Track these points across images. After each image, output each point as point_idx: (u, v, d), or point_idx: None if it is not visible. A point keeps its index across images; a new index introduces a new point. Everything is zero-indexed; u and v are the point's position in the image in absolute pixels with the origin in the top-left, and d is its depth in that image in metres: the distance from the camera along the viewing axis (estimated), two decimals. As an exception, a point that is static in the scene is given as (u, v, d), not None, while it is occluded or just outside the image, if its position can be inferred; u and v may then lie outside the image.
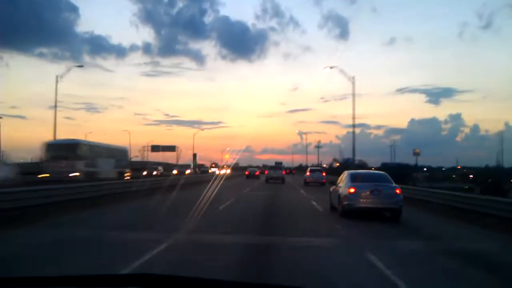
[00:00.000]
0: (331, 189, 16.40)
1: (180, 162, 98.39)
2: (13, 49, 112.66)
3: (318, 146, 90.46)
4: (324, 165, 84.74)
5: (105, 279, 2.11)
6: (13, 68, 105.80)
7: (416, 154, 63.31)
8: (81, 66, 48.77)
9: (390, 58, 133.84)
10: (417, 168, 65.62)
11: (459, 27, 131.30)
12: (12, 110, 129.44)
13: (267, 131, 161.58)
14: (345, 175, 14.82)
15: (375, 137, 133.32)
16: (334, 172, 62.65)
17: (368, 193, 13.09)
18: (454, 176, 71.40)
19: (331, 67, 40.28)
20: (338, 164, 74.94)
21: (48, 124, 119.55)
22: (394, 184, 13.59)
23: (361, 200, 13.05)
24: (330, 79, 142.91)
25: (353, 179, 13.82)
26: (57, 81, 40.56)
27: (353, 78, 39.59)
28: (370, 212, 13.38)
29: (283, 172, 47.92)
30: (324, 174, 39.75)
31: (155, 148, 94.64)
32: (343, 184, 14.12)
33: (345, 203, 13.28)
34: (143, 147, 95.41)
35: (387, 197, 13.09)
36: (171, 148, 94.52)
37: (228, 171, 60.92)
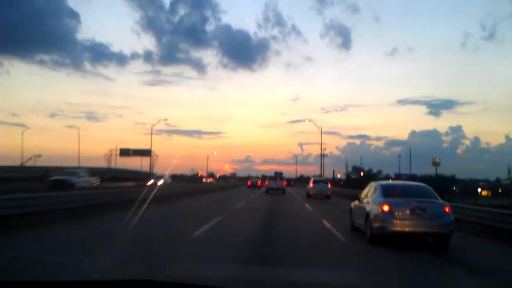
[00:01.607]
0: (352, 204, 13.09)
1: (157, 170, 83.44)
2: (14, 56, 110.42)
3: (322, 155, 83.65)
4: (339, 175, 76.79)
5: (107, 284, 2.09)
6: (13, 75, 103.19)
7: (435, 164, 57.67)
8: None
9: (391, 68, 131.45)
10: (454, 180, 55.14)
11: (461, 37, 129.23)
12: (12, 118, 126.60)
13: (268, 142, 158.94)
14: (372, 187, 11.54)
15: (376, 149, 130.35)
16: (337, 183, 59.49)
17: (408, 212, 9.80)
18: (479, 190, 63.44)
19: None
20: (362, 173, 63.52)
21: (48, 132, 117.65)
22: (441, 201, 10.30)
23: (399, 221, 9.74)
24: (331, 89, 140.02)
25: (387, 192, 10.52)
26: None
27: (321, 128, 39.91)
28: (410, 237, 10.09)
29: (284, 183, 45.00)
30: (329, 185, 36.29)
31: (125, 152, 79.28)
32: (372, 199, 10.84)
33: (377, 225, 9.97)
34: (110, 150, 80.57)
35: (434, 217, 9.79)
36: (145, 153, 77.10)
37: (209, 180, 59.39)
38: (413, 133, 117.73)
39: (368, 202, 10.98)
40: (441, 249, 9.89)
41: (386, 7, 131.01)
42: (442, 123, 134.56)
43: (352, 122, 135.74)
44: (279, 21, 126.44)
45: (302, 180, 79.82)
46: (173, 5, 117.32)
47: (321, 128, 50.48)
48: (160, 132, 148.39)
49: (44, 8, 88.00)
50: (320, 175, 58.69)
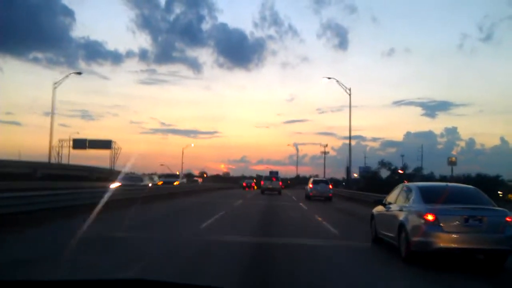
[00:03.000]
0: (374, 211, 10.76)
1: (121, 165, 72.52)
2: (7, 54, 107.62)
3: (324, 152, 74.44)
4: (355, 175, 67.88)
5: (100, 283, 2.10)
6: (6, 73, 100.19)
7: (452, 163, 53.48)
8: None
9: (388, 69, 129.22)
10: (497, 182, 42.78)
11: (459, 39, 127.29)
12: (7, 116, 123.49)
13: (263, 142, 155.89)
14: (405, 190, 9.23)
15: (371, 150, 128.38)
16: (338, 184, 56.49)
17: (459, 223, 7.51)
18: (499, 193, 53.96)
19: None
20: (402, 171, 49.19)
21: (43, 131, 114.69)
22: (498, 208, 8.00)
23: (448, 235, 7.43)
24: (327, 90, 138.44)
25: (428, 197, 8.19)
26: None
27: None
28: (460, 254, 7.80)
29: (280, 183, 42.83)
30: (331, 186, 33.87)
31: (79, 144, 66.27)
32: (407, 205, 8.51)
33: (417, 239, 7.65)
34: (60, 141, 66.99)
35: (493, 230, 7.50)
36: (105, 144, 67.37)
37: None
38: (408, 134, 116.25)
39: (401, 209, 8.65)
40: (496, 271, 7.63)
41: (383, 7, 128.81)
42: (437, 125, 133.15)
43: (347, 123, 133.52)
44: (275, 21, 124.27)
45: (299, 181, 75.94)
46: (169, 3, 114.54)
47: (349, 91, 42.60)
48: (155, 131, 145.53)
49: (38, 6, 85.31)
50: (323, 178, 56.13)
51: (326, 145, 72.28)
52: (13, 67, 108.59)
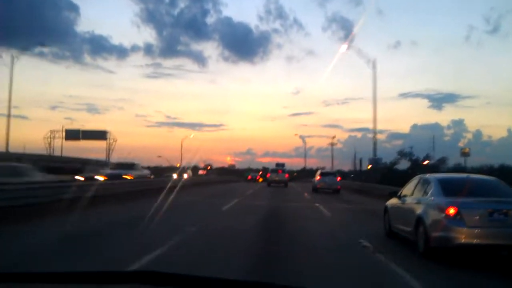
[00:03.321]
0: (388, 204, 10.26)
1: (116, 157, 66.39)
2: (13, 48, 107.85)
3: (332, 144, 71.59)
4: (369, 167, 68.76)
5: (110, 275, 2.07)
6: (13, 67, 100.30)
7: (465, 154, 50.59)
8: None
9: (394, 62, 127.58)
10: None
11: (465, 31, 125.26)
12: (13, 110, 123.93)
13: (269, 135, 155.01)
14: (422, 182, 8.72)
15: (378, 142, 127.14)
16: (345, 176, 55.30)
17: (483, 217, 6.99)
18: None
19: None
20: (427, 161, 42.83)
21: (50, 125, 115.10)
22: (524, 201, 7.47)
23: (471, 230, 6.92)
24: (333, 83, 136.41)
25: (448, 189, 7.68)
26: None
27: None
28: (483, 251, 7.29)
29: (286, 176, 42.36)
30: (339, 179, 33.20)
31: (72, 135, 63.02)
32: (426, 198, 8.00)
33: (437, 234, 7.16)
34: (51, 132, 64.10)
35: (520, 225, 6.98)
36: (99, 135, 63.88)
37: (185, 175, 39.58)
38: (414, 127, 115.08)
39: (419, 202, 8.15)
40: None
41: (389, 0, 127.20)
42: (444, 117, 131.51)
43: (353, 115, 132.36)
44: (280, 14, 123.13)
45: (306, 173, 74.33)
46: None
47: (373, 64, 42.57)
48: (161, 124, 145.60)
49: (43, 0, 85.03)
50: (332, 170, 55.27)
51: (334, 136, 70.50)
52: (19, 61, 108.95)
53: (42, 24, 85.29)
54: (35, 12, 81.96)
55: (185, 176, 40.58)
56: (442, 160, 44.07)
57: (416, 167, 38.63)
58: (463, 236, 6.93)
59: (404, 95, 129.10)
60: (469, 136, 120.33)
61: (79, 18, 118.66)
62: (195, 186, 32.54)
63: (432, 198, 7.76)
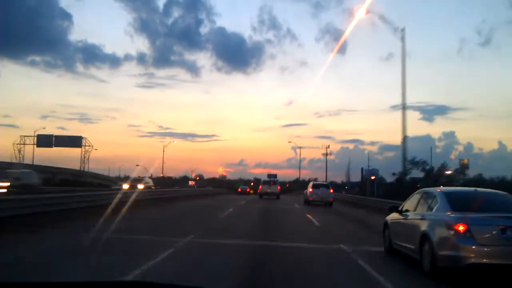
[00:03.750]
0: (388, 219, 9.70)
1: (94, 168, 65.26)
2: (5, 57, 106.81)
3: (326, 154, 69.29)
4: (373, 178, 64.39)
5: (101, 285, 2.08)
6: (4, 76, 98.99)
7: (464, 166, 48.31)
8: None
9: (386, 73, 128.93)
10: None
11: (458, 43, 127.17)
12: (4, 119, 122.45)
13: (261, 145, 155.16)
14: (426, 196, 8.19)
15: (369, 153, 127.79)
16: (338, 188, 54.54)
17: (494, 234, 6.46)
18: None
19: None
20: (449, 172, 39.96)
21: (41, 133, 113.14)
22: (538, 217, 6.95)
23: (482, 248, 6.38)
24: (325, 94, 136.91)
25: (456, 204, 7.14)
26: None
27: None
28: (494, 271, 6.73)
29: (278, 188, 41.91)
30: (331, 191, 32.42)
31: (44, 141, 58.46)
32: (431, 213, 7.46)
33: (445, 253, 6.60)
34: (22, 137, 60.34)
35: (535, 243, 6.45)
36: (73, 141, 59.44)
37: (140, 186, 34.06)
38: (406, 139, 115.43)
39: (423, 218, 7.60)
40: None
41: (382, 12, 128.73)
42: (435, 129, 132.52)
43: (346, 127, 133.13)
44: (274, 25, 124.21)
45: (299, 184, 72.83)
46: (167, 7, 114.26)
47: (402, 33, 44.24)
48: (153, 134, 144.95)
49: (36, 9, 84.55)
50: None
51: (329, 146, 68.58)
52: (11, 70, 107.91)
53: (35, 33, 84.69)
54: (28, 21, 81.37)
55: (140, 186, 34.03)
56: (462, 170, 41.01)
57: (431, 177, 35.03)
58: (474, 255, 6.38)
59: (396, 107, 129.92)
60: (460, 148, 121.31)
61: (72, 27, 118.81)
62: (156, 202, 24.17)
63: (439, 213, 7.21)
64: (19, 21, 77.32)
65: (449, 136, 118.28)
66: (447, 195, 7.48)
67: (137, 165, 75.08)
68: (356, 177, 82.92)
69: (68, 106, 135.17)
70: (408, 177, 37.22)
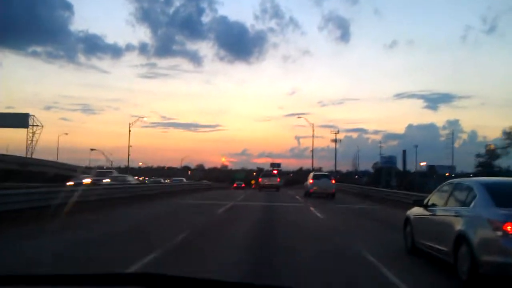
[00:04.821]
0: (410, 214, 8.48)
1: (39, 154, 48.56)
2: (6, 48, 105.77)
3: (335, 140, 60.25)
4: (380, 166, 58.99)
5: (107, 277, 2.06)
6: (6, 67, 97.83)
7: (490, 152, 46.75)
8: None
9: (390, 61, 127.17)
10: None
11: (462, 30, 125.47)
12: (7, 110, 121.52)
13: (265, 135, 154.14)
14: (459, 188, 6.95)
15: (373, 142, 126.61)
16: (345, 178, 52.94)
17: (552, 236, 5.23)
18: None
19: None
20: None
21: (45, 125, 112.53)
22: None
23: (538, 254, 5.16)
24: (329, 83, 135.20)
25: (502, 199, 5.89)
26: None
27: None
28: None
29: (278, 180, 41.83)
30: (333, 181, 30.75)
31: None
32: (469, 209, 6.21)
33: (491, 259, 5.39)
34: None
35: None
36: (18, 120, 46.46)
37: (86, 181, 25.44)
38: (410, 127, 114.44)
39: (458, 215, 6.36)
40: None
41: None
42: (439, 117, 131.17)
43: (349, 116, 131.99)
44: (276, 13, 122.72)
45: (303, 174, 70.21)
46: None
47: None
48: (156, 125, 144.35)
49: None
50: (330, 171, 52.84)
51: (338, 131, 61.79)
52: (12, 61, 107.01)
53: (36, 23, 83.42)
54: (28, 11, 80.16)
55: (106, 181, 26.49)
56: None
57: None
58: (527, 261, 5.17)
59: (399, 96, 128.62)
60: (464, 136, 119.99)
61: (73, 17, 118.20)
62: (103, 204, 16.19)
63: (479, 209, 5.98)
64: (20, 11, 76.35)
65: (453, 125, 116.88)
66: (487, 187, 6.22)
67: (91, 149, 61.87)
68: (362, 166, 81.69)
69: (70, 97, 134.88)
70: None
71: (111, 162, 57.36)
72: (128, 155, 56.91)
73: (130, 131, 54.48)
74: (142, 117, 57.52)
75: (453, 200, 6.92)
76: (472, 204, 6.20)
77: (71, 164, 57.20)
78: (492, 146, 47.65)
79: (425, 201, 7.88)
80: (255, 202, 22.82)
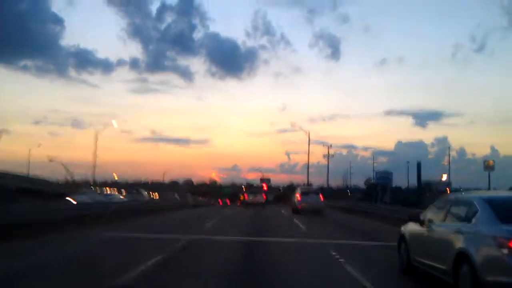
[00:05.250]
0: (405, 231, 8.11)
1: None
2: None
3: (328, 155, 58.87)
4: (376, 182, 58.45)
5: None
6: None
7: (488, 168, 45.56)
8: None
9: (380, 79, 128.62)
10: None
11: (452, 48, 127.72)
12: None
13: (255, 151, 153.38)
14: (458, 204, 6.61)
15: (362, 159, 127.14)
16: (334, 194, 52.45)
17: None
18: None
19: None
20: None
21: (32, 139, 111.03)
22: None
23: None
24: (319, 100, 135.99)
25: (504, 214, 5.55)
26: None
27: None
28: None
29: (264, 196, 42.07)
30: (321, 197, 29.73)
31: None
32: (471, 225, 5.85)
33: (496, 279, 5.02)
34: None
35: None
36: None
37: None
38: (399, 144, 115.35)
39: (459, 231, 5.99)
40: None
41: (376, 17, 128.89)
42: (428, 134, 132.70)
43: (339, 132, 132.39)
44: (268, 30, 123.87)
45: (292, 190, 69.11)
46: (160, 12, 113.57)
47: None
48: (146, 140, 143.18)
49: (27, 13, 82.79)
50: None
51: (331, 146, 60.70)
52: (2, 75, 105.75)
53: (27, 37, 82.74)
54: (19, 25, 79.54)
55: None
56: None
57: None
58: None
59: (389, 112, 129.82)
60: (453, 154, 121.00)
61: (64, 32, 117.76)
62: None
63: (481, 226, 5.63)
64: (10, 25, 75.56)
65: (442, 142, 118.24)
66: (489, 202, 5.88)
67: (50, 161, 57.98)
68: (352, 182, 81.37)
69: (60, 111, 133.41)
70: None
71: (72, 175, 52.43)
72: (94, 166, 51.80)
73: (97, 140, 50.30)
74: (111, 123, 52.18)
75: (452, 215, 6.57)
76: (473, 220, 5.86)
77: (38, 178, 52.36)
78: (491, 162, 47.54)
79: (421, 217, 7.52)
80: (230, 232, 15.11)
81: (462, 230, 5.92)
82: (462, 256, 5.62)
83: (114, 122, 48.61)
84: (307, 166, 54.67)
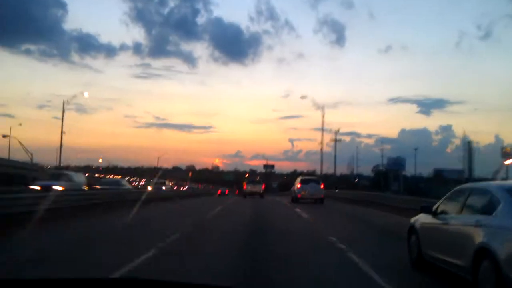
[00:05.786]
0: (416, 221, 7.62)
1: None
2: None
3: (336, 140, 53.09)
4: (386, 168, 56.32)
5: (93, 282, 2.02)
6: None
7: (507, 155, 42.59)
8: None
9: (384, 66, 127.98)
10: None
11: (457, 36, 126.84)
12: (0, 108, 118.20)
13: (258, 137, 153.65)
14: (477, 193, 6.11)
15: (366, 146, 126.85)
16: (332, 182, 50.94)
17: None
18: None
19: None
20: None
21: (36, 123, 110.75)
22: None
23: None
24: (323, 86, 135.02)
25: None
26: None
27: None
28: None
29: (263, 186, 41.23)
30: (322, 186, 29.28)
31: None
32: (492, 218, 5.35)
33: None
34: None
35: None
36: None
37: None
38: (403, 131, 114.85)
39: (478, 224, 5.50)
40: None
41: (381, 3, 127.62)
42: (432, 122, 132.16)
43: (343, 119, 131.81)
44: (272, 15, 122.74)
45: (295, 177, 66.06)
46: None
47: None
48: (150, 125, 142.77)
49: None
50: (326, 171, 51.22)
51: (339, 130, 55.34)
52: (5, 59, 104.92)
53: (29, 21, 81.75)
54: (21, 9, 78.46)
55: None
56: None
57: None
58: None
59: (393, 100, 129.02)
60: (457, 142, 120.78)
61: (67, 16, 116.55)
62: None
63: (506, 219, 5.13)
64: (13, 9, 74.55)
65: (446, 130, 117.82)
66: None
67: (3, 136, 50.76)
68: (358, 170, 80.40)
69: (63, 96, 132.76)
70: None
71: (31, 155, 46.75)
72: (61, 147, 44.92)
73: (63, 116, 43.77)
74: (82, 94, 46.34)
75: (470, 207, 6.07)
76: (495, 213, 5.36)
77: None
78: (508, 150, 45.98)
79: (434, 208, 7.03)
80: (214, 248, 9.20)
81: (482, 223, 5.42)
82: (484, 252, 5.14)
83: (86, 93, 44.57)
84: (321, 150, 50.87)
